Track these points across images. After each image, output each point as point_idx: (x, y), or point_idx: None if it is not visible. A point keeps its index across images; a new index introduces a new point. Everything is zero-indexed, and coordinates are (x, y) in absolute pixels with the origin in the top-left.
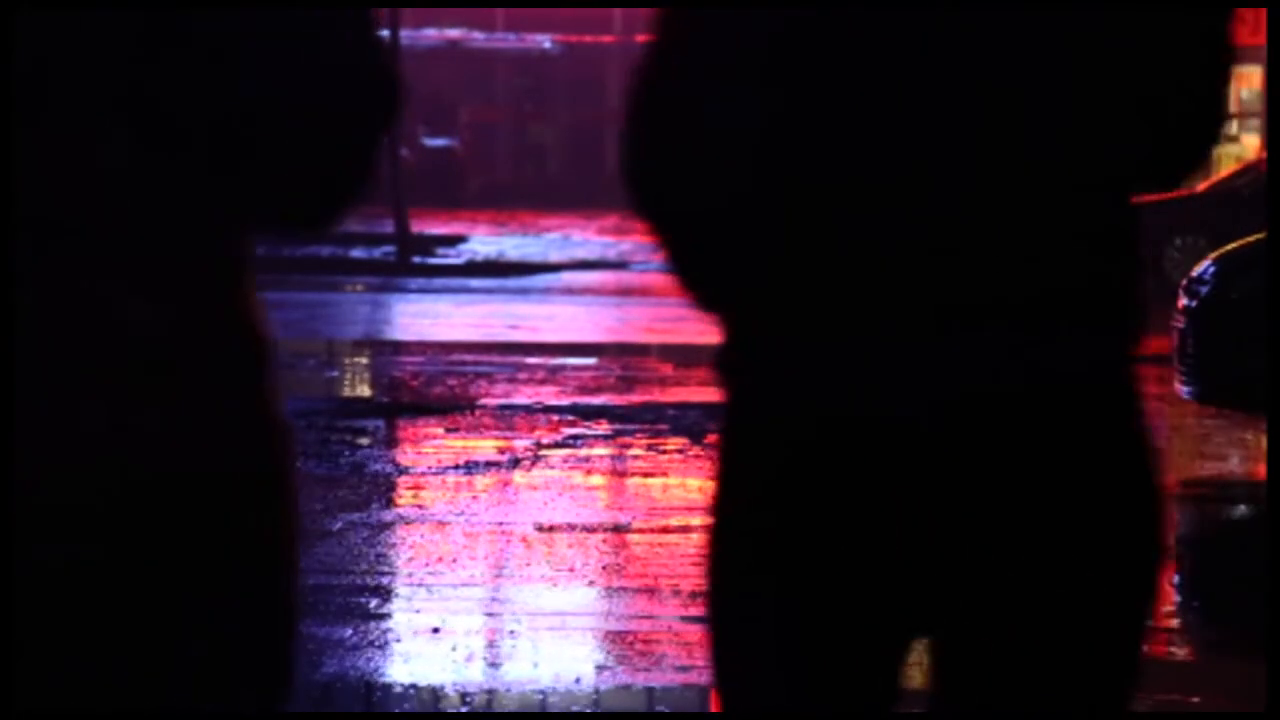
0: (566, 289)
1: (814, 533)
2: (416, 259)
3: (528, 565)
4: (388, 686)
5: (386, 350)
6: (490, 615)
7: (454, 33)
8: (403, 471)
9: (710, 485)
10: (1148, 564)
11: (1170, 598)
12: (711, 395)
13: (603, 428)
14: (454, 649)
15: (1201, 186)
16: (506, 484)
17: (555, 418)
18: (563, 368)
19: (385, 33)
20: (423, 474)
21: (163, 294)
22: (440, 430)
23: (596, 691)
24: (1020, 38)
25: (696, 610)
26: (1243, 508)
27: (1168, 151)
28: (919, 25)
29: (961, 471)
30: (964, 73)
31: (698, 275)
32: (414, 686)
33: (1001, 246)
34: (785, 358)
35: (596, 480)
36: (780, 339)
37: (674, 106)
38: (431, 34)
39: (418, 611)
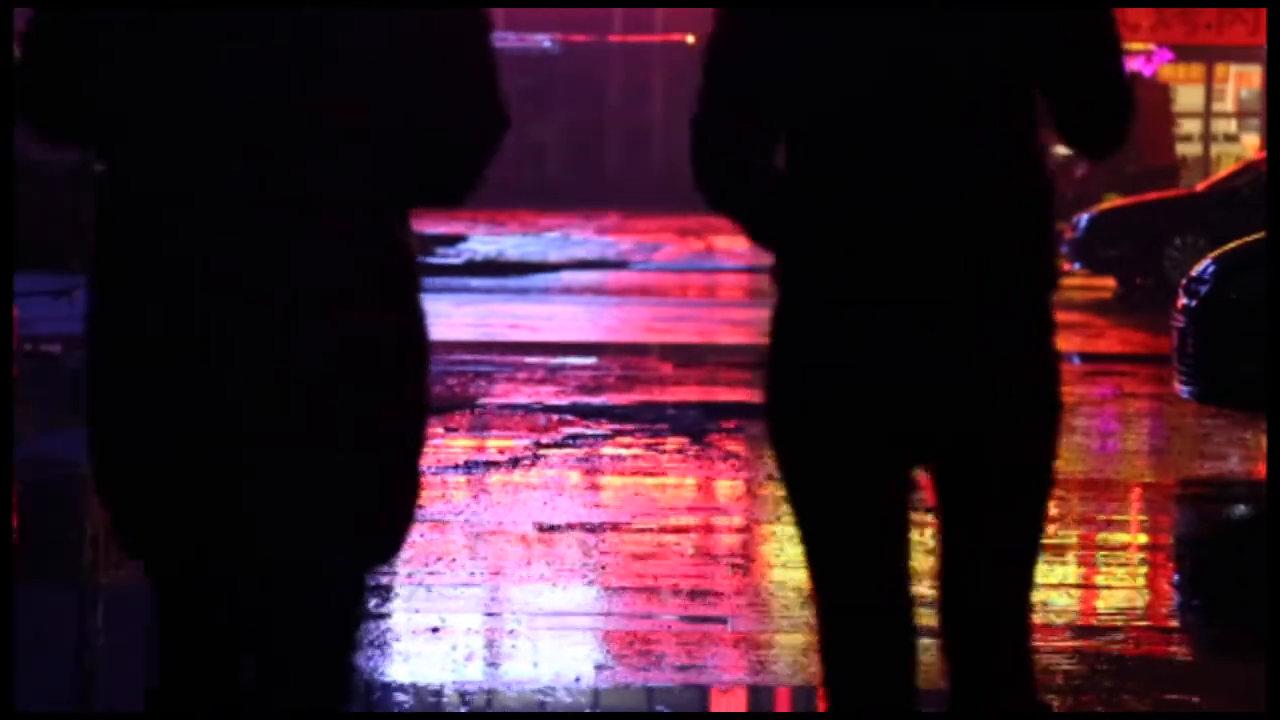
0: (566, 289)
1: (839, 376)
2: (416, 259)
3: (528, 565)
4: (387, 686)
5: None
6: (490, 615)
7: None
8: None
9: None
10: (1054, 411)
11: (1170, 598)
12: (710, 395)
13: (603, 427)
14: (454, 649)
15: (1201, 186)
16: (506, 484)
17: (555, 417)
18: (562, 367)
19: None
20: (422, 474)
21: (363, 240)
22: (440, 430)
23: (596, 691)
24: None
25: (696, 610)
26: (1243, 508)
27: (1092, 123)
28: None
29: (937, 351)
30: (934, 80)
31: (754, 238)
32: (414, 686)
33: (959, 201)
34: (804, 285)
35: (596, 480)
36: (805, 271)
37: (725, 129)
38: None
39: (417, 611)
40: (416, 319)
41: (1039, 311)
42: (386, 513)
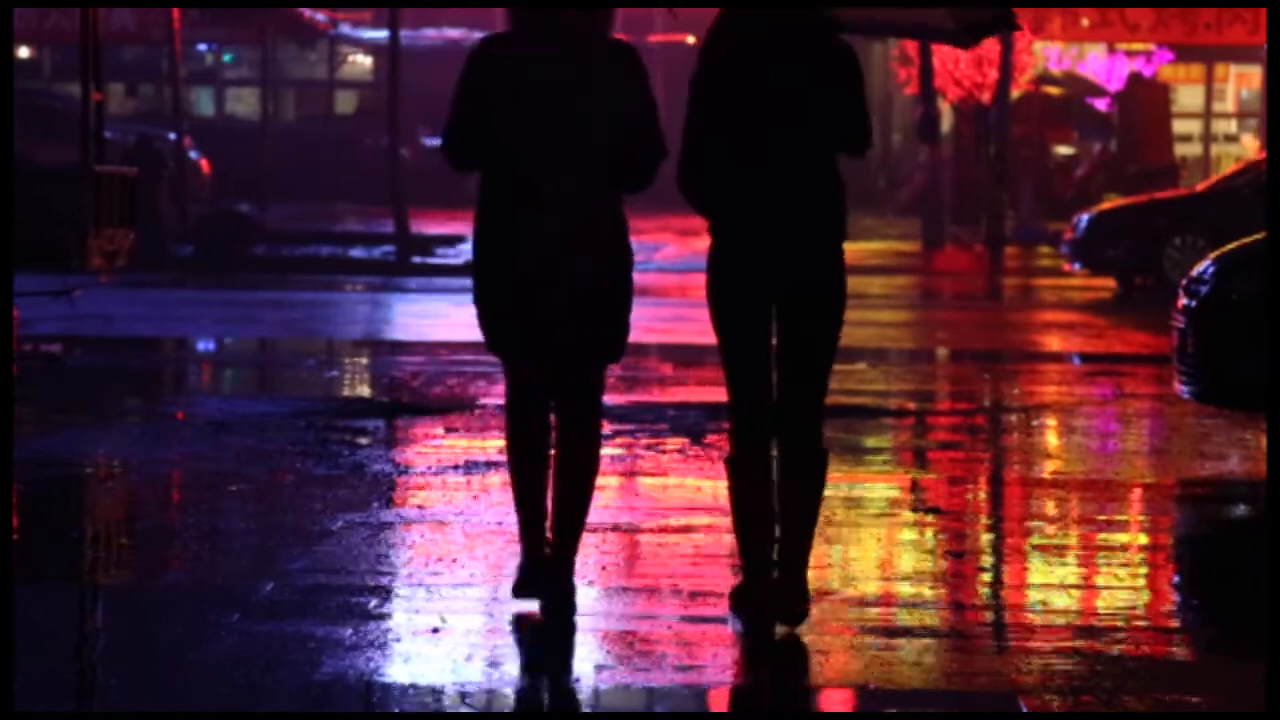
0: None
1: (736, 270)
2: (416, 259)
3: None
4: (387, 686)
5: (386, 350)
6: (490, 615)
7: (454, 33)
8: (403, 471)
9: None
10: (841, 294)
11: (1170, 598)
12: (710, 395)
13: (602, 427)
14: (454, 649)
15: (1201, 186)
16: (506, 484)
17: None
18: None
19: (385, 33)
20: (423, 474)
21: (603, 206)
22: (440, 430)
23: (596, 691)
24: (797, 90)
25: (696, 610)
26: (1243, 508)
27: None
28: (764, 93)
29: (784, 265)
30: (779, 109)
31: (699, 207)
32: (414, 686)
33: (799, 182)
34: (723, 230)
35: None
36: (720, 226)
37: (695, 155)
38: (431, 34)
39: (417, 611)
40: (629, 248)
41: (836, 245)
42: (618, 340)
